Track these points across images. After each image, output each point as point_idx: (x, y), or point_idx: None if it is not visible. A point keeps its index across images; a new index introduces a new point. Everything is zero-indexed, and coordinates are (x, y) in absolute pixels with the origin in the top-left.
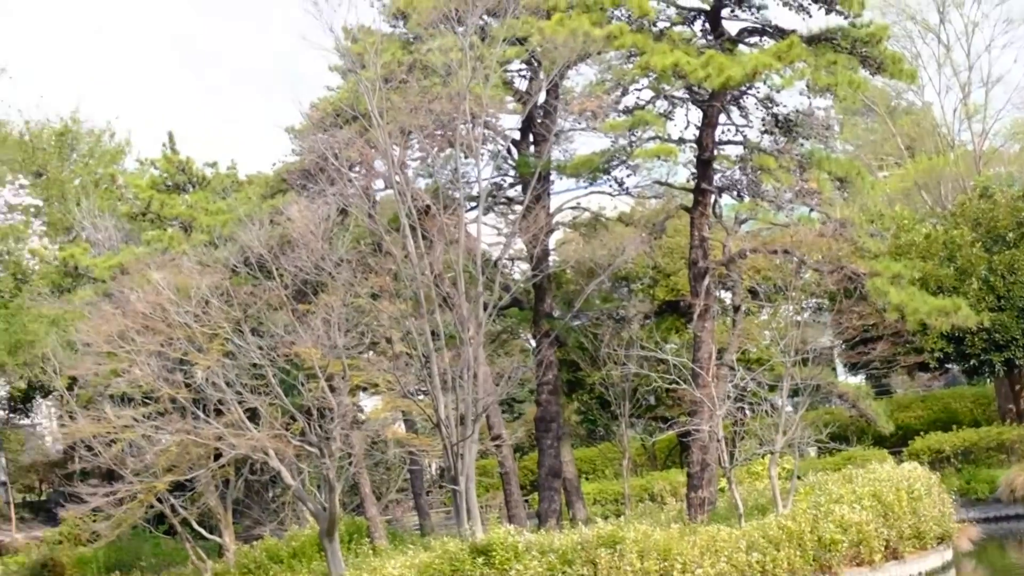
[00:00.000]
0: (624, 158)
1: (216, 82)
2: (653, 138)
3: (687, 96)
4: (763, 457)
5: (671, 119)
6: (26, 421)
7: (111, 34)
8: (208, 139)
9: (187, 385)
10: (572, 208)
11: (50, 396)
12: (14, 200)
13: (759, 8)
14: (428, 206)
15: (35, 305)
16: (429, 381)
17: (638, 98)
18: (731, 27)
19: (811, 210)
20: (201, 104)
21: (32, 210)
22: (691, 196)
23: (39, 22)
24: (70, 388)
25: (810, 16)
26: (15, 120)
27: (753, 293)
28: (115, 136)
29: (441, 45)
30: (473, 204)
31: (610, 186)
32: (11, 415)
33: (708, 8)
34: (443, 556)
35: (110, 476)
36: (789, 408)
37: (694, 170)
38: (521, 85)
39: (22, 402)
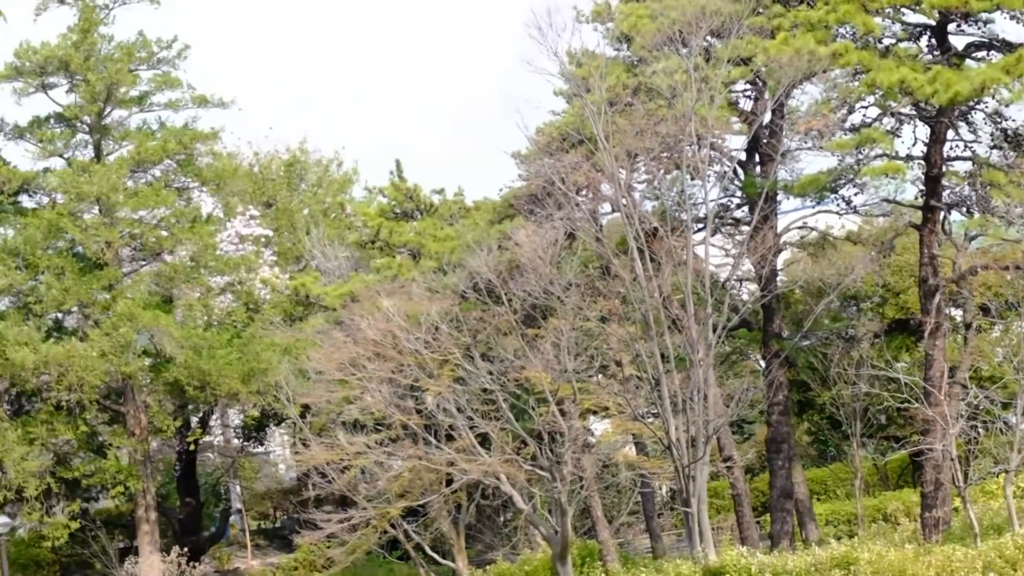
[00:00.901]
0: (851, 177)
1: (439, 108)
2: (880, 156)
3: (914, 113)
4: (998, 476)
5: (898, 136)
6: (260, 449)
7: (333, 63)
8: (433, 165)
9: (418, 411)
10: (799, 228)
11: (283, 424)
12: (245, 231)
13: (986, 22)
14: (656, 228)
15: (267, 334)
16: (659, 403)
17: (864, 116)
18: (957, 42)
19: None
20: (425, 130)
21: (263, 240)
22: (920, 213)
23: (265, 54)
24: (303, 416)
25: None
26: (245, 152)
27: (984, 310)
28: (342, 165)
29: (665, 67)
30: (700, 226)
31: (837, 205)
32: (245, 443)
33: (934, 23)
34: None
35: (343, 502)
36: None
37: (922, 187)
38: (746, 105)
39: (256, 430)
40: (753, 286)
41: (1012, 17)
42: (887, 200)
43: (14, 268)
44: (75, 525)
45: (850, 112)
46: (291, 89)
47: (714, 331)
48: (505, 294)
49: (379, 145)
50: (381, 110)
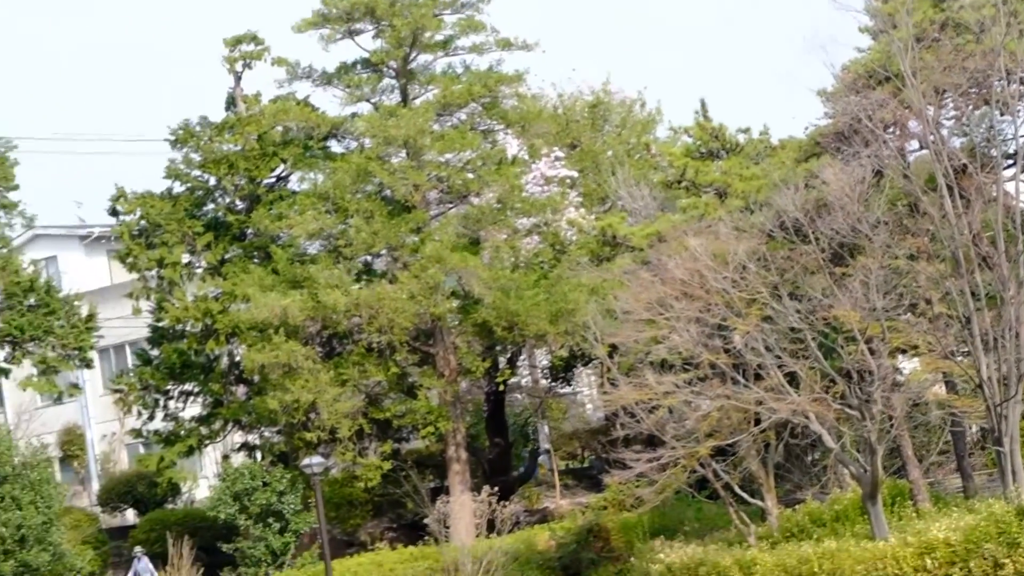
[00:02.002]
0: None
1: (740, 46)
2: None
3: None
4: None
5: None
6: (567, 389)
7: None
8: (735, 105)
9: (726, 350)
10: None
11: (591, 364)
12: (550, 172)
13: None
14: (964, 165)
15: (574, 274)
16: (970, 342)
17: None
18: None
19: None
20: (727, 69)
21: (568, 181)
22: None
23: None
24: (610, 356)
25: None
26: (549, 93)
27: None
28: (645, 106)
29: (973, 2)
30: (1011, 161)
31: None
32: (553, 384)
33: None
34: (988, 519)
35: (651, 442)
36: None
37: None
38: None
39: (563, 371)
40: None
41: None
42: None
43: (324, 212)
44: (387, 465)
45: None
46: (591, 30)
47: None
48: (812, 232)
49: (679, 84)
50: (680, 48)
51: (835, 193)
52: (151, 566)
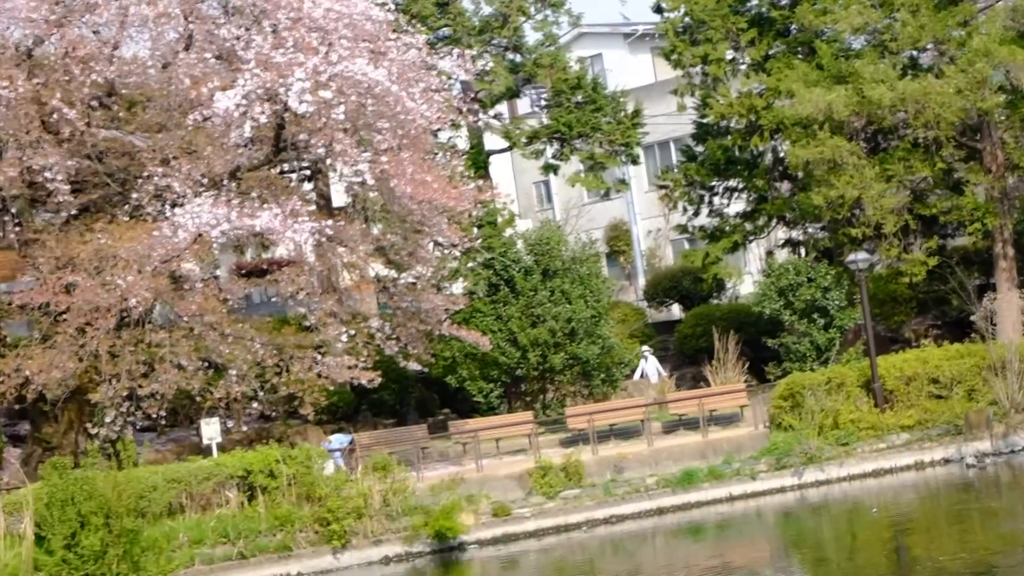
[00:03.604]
0: None
1: None
2: None
3: None
4: None
5: None
6: None
7: None
8: None
9: None
10: None
11: None
12: None
13: None
14: None
15: None
16: None
17: None
18: None
19: None
20: None
21: None
22: None
23: None
24: None
25: None
26: None
27: None
28: None
29: None
30: None
31: None
32: None
33: None
34: None
35: None
36: None
37: None
38: None
39: None
40: None
41: None
42: None
43: (869, 6)
44: (932, 262)
45: None
46: None
47: None
48: None
49: None
50: None
51: None
52: (659, 366)
